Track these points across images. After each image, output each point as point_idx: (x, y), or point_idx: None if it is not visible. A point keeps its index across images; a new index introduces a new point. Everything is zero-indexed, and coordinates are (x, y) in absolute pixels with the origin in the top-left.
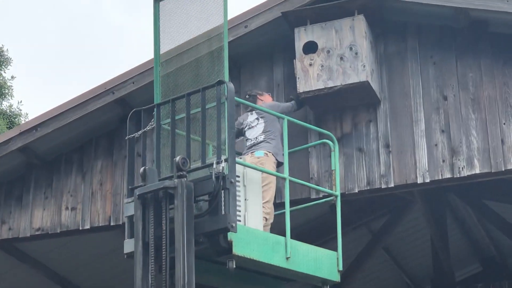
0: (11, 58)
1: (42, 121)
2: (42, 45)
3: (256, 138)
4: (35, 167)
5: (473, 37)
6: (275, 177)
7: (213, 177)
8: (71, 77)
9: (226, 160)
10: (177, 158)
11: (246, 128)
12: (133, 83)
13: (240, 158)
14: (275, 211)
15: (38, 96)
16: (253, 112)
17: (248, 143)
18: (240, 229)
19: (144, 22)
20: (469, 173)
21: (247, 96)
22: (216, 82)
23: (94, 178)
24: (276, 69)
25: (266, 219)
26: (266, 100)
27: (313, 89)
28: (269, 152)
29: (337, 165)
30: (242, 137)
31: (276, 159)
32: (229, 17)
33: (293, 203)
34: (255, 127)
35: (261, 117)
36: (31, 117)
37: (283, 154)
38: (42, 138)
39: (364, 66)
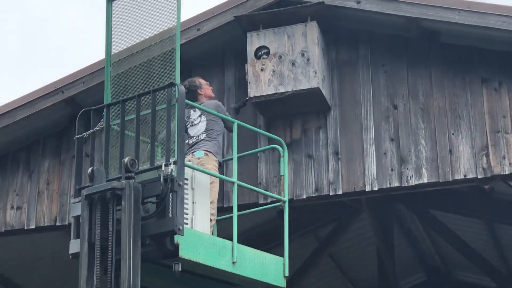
0: None
1: None
2: None
3: (198, 136)
4: None
5: (424, 47)
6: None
7: (162, 179)
8: (25, 78)
9: (175, 163)
10: (126, 159)
11: (189, 125)
12: (83, 83)
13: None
14: (223, 215)
15: None
16: (196, 109)
17: (190, 141)
18: (187, 232)
19: (98, 22)
20: (417, 182)
21: (185, 91)
22: (167, 84)
23: (41, 178)
24: (228, 73)
25: (211, 220)
26: (206, 93)
27: (264, 94)
28: (209, 152)
29: (286, 171)
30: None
31: (216, 159)
32: (182, 19)
33: (241, 207)
34: (197, 125)
35: (204, 115)
36: None
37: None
38: None
39: (315, 72)
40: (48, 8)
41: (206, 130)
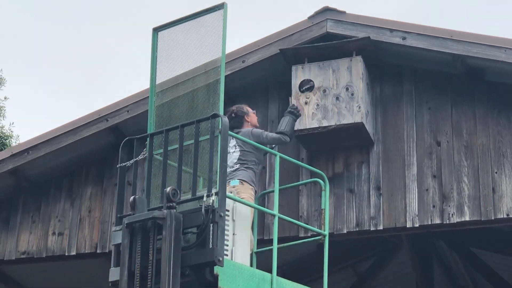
0: (4, 79)
1: (34, 144)
2: (40, 68)
3: (232, 166)
4: (24, 190)
5: (469, 84)
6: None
7: (203, 210)
8: (67, 102)
9: (216, 194)
10: (168, 189)
11: None
12: (128, 111)
13: None
14: (262, 247)
15: (31, 118)
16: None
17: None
18: (227, 263)
19: (141, 51)
20: (458, 220)
21: (232, 115)
22: (211, 115)
23: (83, 205)
24: (271, 105)
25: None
26: (252, 121)
27: (307, 127)
28: (244, 181)
29: (327, 205)
30: None
31: (252, 187)
32: (227, 51)
33: (281, 240)
34: (231, 154)
35: (239, 145)
36: (22, 139)
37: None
38: (33, 162)
39: (359, 107)
40: (113, 45)
41: (239, 161)
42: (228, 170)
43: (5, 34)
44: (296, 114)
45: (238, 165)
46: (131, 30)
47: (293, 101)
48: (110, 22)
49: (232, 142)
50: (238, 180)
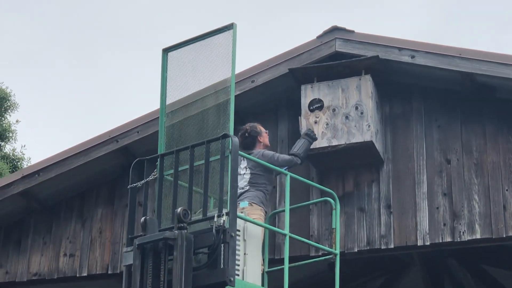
0: (17, 103)
1: (45, 166)
2: (51, 90)
3: (242, 188)
4: (35, 211)
5: (478, 102)
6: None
7: (214, 230)
8: (78, 123)
9: (227, 214)
10: (178, 210)
11: None
12: (138, 132)
13: None
14: (273, 266)
15: (42, 141)
16: (244, 158)
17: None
18: (238, 283)
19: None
20: (469, 238)
21: (246, 135)
22: (221, 135)
23: (94, 226)
24: (281, 125)
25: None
26: (264, 141)
27: (317, 147)
28: (253, 202)
29: (337, 224)
30: None
31: (262, 207)
32: (237, 71)
33: (292, 259)
34: (242, 176)
35: (249, 168)
36: (33, 161)
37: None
38: (43, 183)
39: (369, 126)
40: (123, 65)
41: (250, 183)
42: (238, 191)
43: (17, 57)
44: (312, 137)
45: (248, 187)
46: (141, 51)
47: (303, 120)
48: (120, 43)
49: (243, 164)
50: (248, 202)
